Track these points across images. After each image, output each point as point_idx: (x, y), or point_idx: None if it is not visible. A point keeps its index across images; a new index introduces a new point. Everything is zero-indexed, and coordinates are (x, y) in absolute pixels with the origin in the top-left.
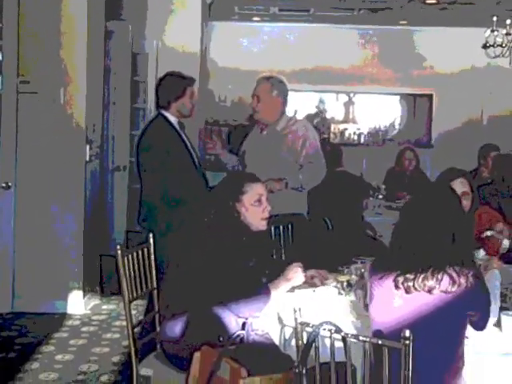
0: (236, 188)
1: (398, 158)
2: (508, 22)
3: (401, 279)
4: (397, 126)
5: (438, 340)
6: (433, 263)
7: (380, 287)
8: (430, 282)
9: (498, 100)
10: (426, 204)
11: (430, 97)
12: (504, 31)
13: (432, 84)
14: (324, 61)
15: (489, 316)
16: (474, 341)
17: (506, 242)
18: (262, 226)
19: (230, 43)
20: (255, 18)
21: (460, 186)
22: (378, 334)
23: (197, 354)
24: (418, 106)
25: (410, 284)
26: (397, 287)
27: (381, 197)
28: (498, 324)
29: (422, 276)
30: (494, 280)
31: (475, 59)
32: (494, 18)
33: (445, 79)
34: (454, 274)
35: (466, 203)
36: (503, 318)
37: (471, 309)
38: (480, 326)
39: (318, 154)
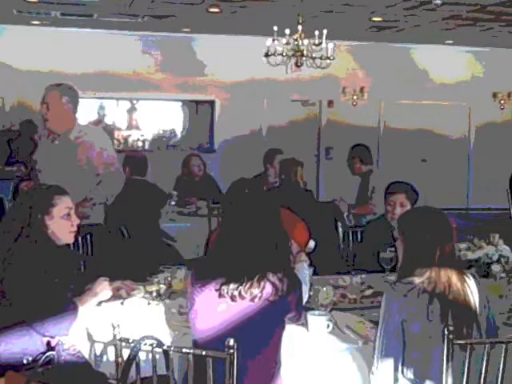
0: (45, 201)
1: (185, 164)
2: (287, 31)
3: (226, 288)
4: (180, 132)
5: (259, 345)
6: (258, 271)
7: (203, 295)
8: (255, 290)
9: (277, 110)
10: (246, 213)
11: (212, 103)
12: (284, 41)
13: (214, 91)
14: (107, 67)
15: (302, 310)
16: (284, 342)
17: (311, 244)
18: (69, 239)
19: (11, 46)
20: (35, 22)
21: None
22: (198, 342)
23: (1, 381)
24: (200, 112)
25: (236, 293)
26: (221, 296)
27: (173, 203)
28: (306, 324)
29: (248, 284)
30: (303, 269)
31: (256, 68)
32: (275, 28)
33: (227, 86)
34: (277, 282)
35: None
36: (309, 317)
37: (289, 312)
38: (295, 320)
39: (114, 162)
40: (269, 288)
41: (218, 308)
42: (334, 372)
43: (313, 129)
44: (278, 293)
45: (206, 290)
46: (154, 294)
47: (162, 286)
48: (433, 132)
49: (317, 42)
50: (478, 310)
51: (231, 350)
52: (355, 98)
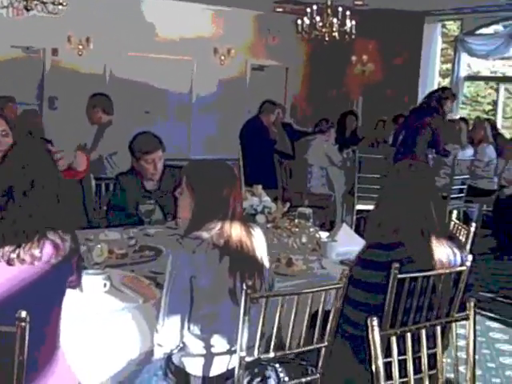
0: None
1: None
2: None
3: (0, 251)
4: None
5: (45, 314)
6: (37, 229)
7: None
8: (36, 251)
9: None
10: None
11: None
12: None
13: None
14: None
15: (82, 274)
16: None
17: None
18: None
19: None
20: None
21: None
22: None
23: None
24: None
25: (13, 255)
26: None
27: None
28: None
29: (28, 245)
30: None
31: None
32: None
33: None
34: (58, 241)
35: None
36: (84, 277)
37: (71, 274)
38: (74, 285)
39: None
40: (49, 248)
41: None
42: (114, 332)
43: (35, 77)
44: (60, 253)
45: None
46: None
47: None
48: (157, 84)
49: None
50: (263, 261)
51: (23, 323)
52: (81, 47)
